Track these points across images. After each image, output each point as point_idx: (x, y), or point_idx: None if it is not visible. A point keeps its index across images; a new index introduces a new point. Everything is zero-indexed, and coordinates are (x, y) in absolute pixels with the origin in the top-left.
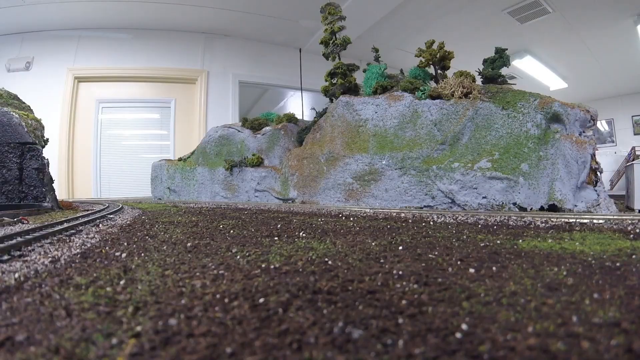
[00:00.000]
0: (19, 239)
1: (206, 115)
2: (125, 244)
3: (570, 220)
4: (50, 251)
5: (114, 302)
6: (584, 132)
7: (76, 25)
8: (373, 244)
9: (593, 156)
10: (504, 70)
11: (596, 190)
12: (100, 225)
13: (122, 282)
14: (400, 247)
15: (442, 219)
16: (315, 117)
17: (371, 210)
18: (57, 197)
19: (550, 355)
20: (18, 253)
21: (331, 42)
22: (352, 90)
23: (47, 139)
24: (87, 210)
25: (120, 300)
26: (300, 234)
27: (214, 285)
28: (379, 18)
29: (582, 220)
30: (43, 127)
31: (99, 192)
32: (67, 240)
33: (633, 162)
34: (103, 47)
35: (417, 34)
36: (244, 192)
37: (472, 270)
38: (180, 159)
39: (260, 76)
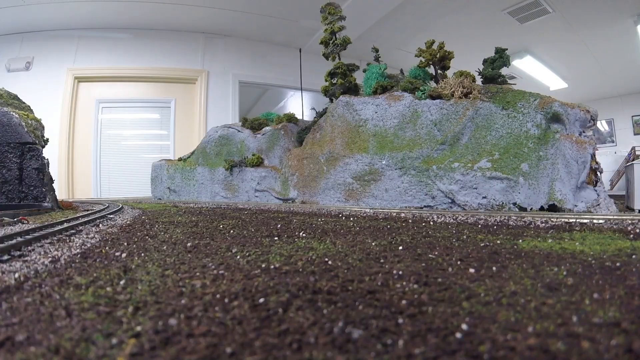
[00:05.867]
0: (19, 239)
1: (206, 115)
2: (125, 244)
3: (570, 220)
4: (50, 251)
5: (114, 302)
6: (584, 132)
7: (76, 25)
8: (373, 244)
9: (593, 156)
10: (504, 70)
11: (596, 190)
12: (100, 225)
13: (122, 282)
14: (400, 247)
15: (442, 219)
16: (315, 117)
17: (371, 210)
18: (57, 197)
19: (550, 355)
20: (18, 253)
21: (331, 42)
22: (352, 90)
23: (47, 139)
24: (87, 210)
25: (120, 300)
26: (300, 234)
27: (214, 285)
28: (379, 18)
29: (582, 220)
30: (43, 127)
31: (99, 192)
32: (67, 240)
33: (633, 162)
34: (103, 47)
35: (417, 34)
36: (244, 192)
37: (472, 270)
38: (180, 159)
39: (260, 76)
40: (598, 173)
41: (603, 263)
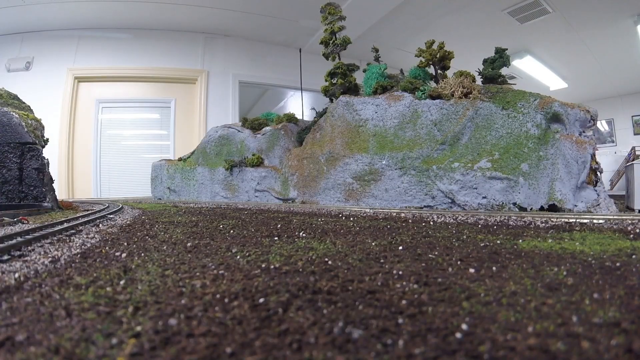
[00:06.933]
0: (19, 239)
1: (206, 115)
2: (125, 244)
3: (570, 220)
4: (50, 251)
5: (114, 302)
6: (584, 132)
7: (76, 25)
8: (373, 244)
9: (593, 156)
10: (504, 70)
11: (596, 190)
12: (100, 225)
13: (122, 282)
14: (400, 247)
15: (442, 219)
16: (315, 117)
17: (371, 210)
18: (57, 197)
19: (550, 355)
20: (18, 253)
21: (331, 42)
22: (352, 90)
23: (47, 139)
24: (87, 210)
25: (120, 300)
26: (300, 234)
27: (214, 285)
28: (379, 18)
29: (582, 220)
30: (43, 127)
31: (99, 192)
32: (67, 240)
33: (633, 162)
34: (103, 47)
35: (417, 34)
36: (244, 192)
37: (472, 270)
38: (180, 159)
39: (260, 76)
40: (598, 173)
41: (603, 263)
